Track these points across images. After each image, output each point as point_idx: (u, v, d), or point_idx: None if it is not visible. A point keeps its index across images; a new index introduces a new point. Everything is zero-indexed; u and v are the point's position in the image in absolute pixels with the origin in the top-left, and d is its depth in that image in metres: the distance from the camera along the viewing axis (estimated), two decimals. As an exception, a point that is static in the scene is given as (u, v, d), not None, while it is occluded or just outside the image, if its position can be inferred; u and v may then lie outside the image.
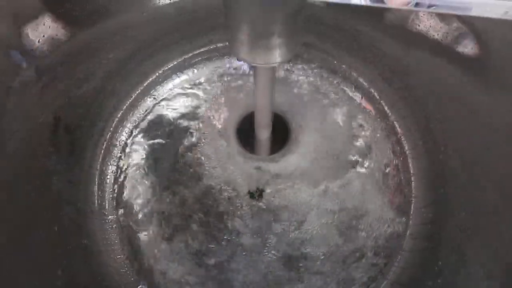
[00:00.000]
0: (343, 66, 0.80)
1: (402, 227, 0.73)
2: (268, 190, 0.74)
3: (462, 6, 0.23)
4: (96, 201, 0.73)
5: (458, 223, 0.62)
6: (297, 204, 0.73)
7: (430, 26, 0.61)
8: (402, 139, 0.77)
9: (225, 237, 0.72)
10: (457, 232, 0.62)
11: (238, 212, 0.73)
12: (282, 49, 0.41)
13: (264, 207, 0.73)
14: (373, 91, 0.79)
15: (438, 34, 0.60)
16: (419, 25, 0.62)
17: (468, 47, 0.55)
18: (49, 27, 0.54)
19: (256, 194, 0.74)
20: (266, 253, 0.71)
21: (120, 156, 0.76)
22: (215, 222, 0.72)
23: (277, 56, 0.42)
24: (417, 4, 0.23)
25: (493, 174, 0.55)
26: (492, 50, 0.52)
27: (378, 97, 0.79)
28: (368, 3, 0.23)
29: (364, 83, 0.80)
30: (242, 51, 0.42)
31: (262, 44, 0.40)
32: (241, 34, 0.40)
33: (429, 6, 0.23)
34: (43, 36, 0.54)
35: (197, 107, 0.79)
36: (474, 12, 0.23)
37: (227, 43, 0.78)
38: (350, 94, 0.80)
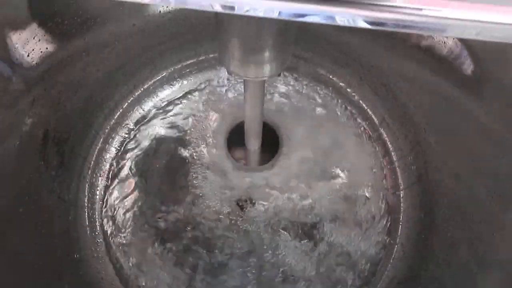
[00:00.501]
0: (334, 78, 0.81)
1: (391, 241, 0.74)
2: (256, 201, 0.74)
3: (436, 28, 0.24)
4: (86, 214, 0.72)
5: (447, 236, 0.63)
6: (285, 215, 0.73)
7: (424, 40, 0.61)
8: (392, 152, 0.78)
9: (214, 248, 0.72)
10: (445, 244, 0.63)
11: (227, 223, 0.73)
12: (272, 63, 0.42)
13: (253, 217, 0.73)
14: (361, 102, 0.80)
15: (432, 48, 0.60)
16: (413, 39, 0.63)
17: (461, 62, 0.56)
18: (39, 40, 0.54)
19: (245, 204, 0.75)
20: (253, 262, 0.72)
21: (110, 168, 0.76)
22: (204, 233, 0.72)
23: (267, 70, 0.42)
24: (392, 25, 0.24)
25: (484, 188, 0.56)
26: (486, 64, 0.53)
27: (369, 111, 0.80)
28: (366, 26, 0.24)
29: (353, 94, 0.80)
30: (233, 64, 0.43)
31: (253, 58, 0.41)
32: (232, 48, 0.41)
33: (404, 27, 0.24)
34: (33, 49, 0.54)
35: (187, 117, 0.79)
36: (448, 33, 0.24)
37: (216, 54, 0.79)
38: (340, 106, 0.80)
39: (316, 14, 0.25)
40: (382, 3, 0.25)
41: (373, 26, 0.25)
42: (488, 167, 0.55)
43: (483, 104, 0.54)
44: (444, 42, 0.56)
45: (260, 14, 0.24)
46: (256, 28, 0.37)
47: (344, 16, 0.25)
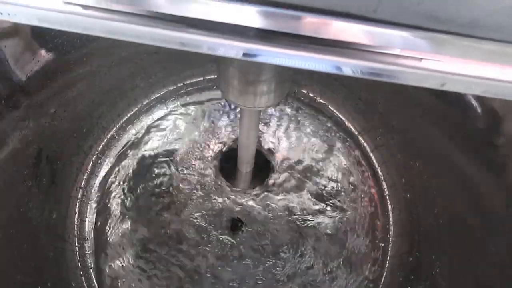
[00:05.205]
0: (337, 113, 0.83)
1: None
2: (245, 222, 0.75)
3: (396, 76, 0.25)
4: (75, 233, 0.72)
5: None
6: (275, 238, 0.74)
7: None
8: (384, 188, 0.79)
9: (202, 269, 0.72)
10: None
11: (217, 244, 0.73)
12: (270, 95, 0.43)
13: (241, 238, 0.74)
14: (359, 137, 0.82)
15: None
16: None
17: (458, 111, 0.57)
18: (38, 61, 0.55)
19: (234, 224, 0.75)
20: (243, 283, 0.72)
21: (100, 187, 0.76)
22: (193, 253, 0.72)
23: (265, 101, 0.43)
24: (350, 71, 0.25)
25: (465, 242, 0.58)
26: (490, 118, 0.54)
27: (367, 148, 0.81)
28: (360, 76, 0.25)
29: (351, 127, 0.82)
30: (232, 94, 0.43)
31: (251, 89, 0.42)
32: (231, 78, 0.42)
33: (364, 73, 0.25)
34: (31, 70, 0.54)
35: (180, 139, 0.80)
36: (411, 82, 0.25)
37: (211, 77, 0.80)
38: (336, 136, 0.82)
39: (308, 62, 0.26)
40: (381, 51, 0.26)
41: (368, 76, 0.26)
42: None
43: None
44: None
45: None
46: (256, 62, 0.38)
47: (341, 66, 0.26)
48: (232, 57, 0.25)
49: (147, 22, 0.26)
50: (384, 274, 0.73)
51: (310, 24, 0.24)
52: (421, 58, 0.25)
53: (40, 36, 0.54)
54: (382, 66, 0.25)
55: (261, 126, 0.78)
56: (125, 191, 0.76)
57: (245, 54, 0.25)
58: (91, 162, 0.76)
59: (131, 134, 0.79)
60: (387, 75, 0.25)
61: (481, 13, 0.21)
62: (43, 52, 0.55)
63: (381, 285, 0.73)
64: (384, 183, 0.78)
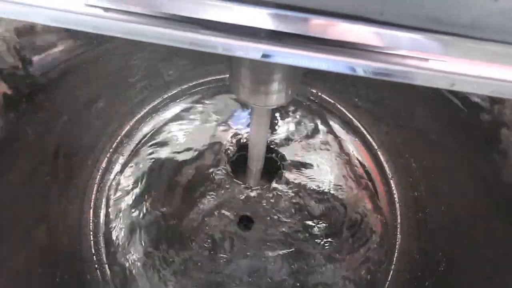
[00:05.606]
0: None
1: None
2: (255, 219, 0.76)
3: (407, 76, 0.25)
4: (90, 227, 0.74)
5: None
6: (284, 235, 0.75)
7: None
8: (392, 186, 0.79)
9: (211, 266, 0.73)
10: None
11: (226, 240, 0.75)
12: (281, 93, 0.44)
13: (251, 236, 0.75)
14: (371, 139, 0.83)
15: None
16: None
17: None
18: (57, 60, 0.56)
19: (244, 221, 0.77)
20: (252, 279, 0.73)
21: (115, 181, 0.78)
22: (203, 249, 0.74)
23: (276, 99, 0.44)
24: (362, 72, 0.26)
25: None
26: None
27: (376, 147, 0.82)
28: (369, 76, 0.26)
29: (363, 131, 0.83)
30: (243, 93, 0.45)
31: (262, 88, 0.43)
32: (242, 77, 0.43)
33: (376, 74, 0.26)
34: (50, 68, 0.56)
35: (192, 136, 0.81)
36: (420, 82, 0.25)
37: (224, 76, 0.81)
38: (343, 134, 0.83)
39: (321, 63, 0.27)
40: (389, 51, 0.27)
41: (379, 76, 0.27)
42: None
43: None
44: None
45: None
46: (268, 62, 0.39)
47: (354, 66, 0.26)
48: (251, 58, 0.26)
49: (165, 23, 0.27)
50: (391, 271, 0.74)
51: (321, 26, 0.25)
52: (428, 59, 0.26)
53: (60, 36, 0.55)
54: (391, 66, 0.26)
55: (271, 125, 0.79)
56: (139, 186, 0.77)
57: (264, 55, 0.26)
58: (106, 159, 0.78)
59: (144, 131, 0.81)
60: (397, 76, 0.26)
61: (481, 14, 0.22)
62: (61, 51, 0.57)
63: (388, 282, 0.74)
64: (391, 181, 0.78)
